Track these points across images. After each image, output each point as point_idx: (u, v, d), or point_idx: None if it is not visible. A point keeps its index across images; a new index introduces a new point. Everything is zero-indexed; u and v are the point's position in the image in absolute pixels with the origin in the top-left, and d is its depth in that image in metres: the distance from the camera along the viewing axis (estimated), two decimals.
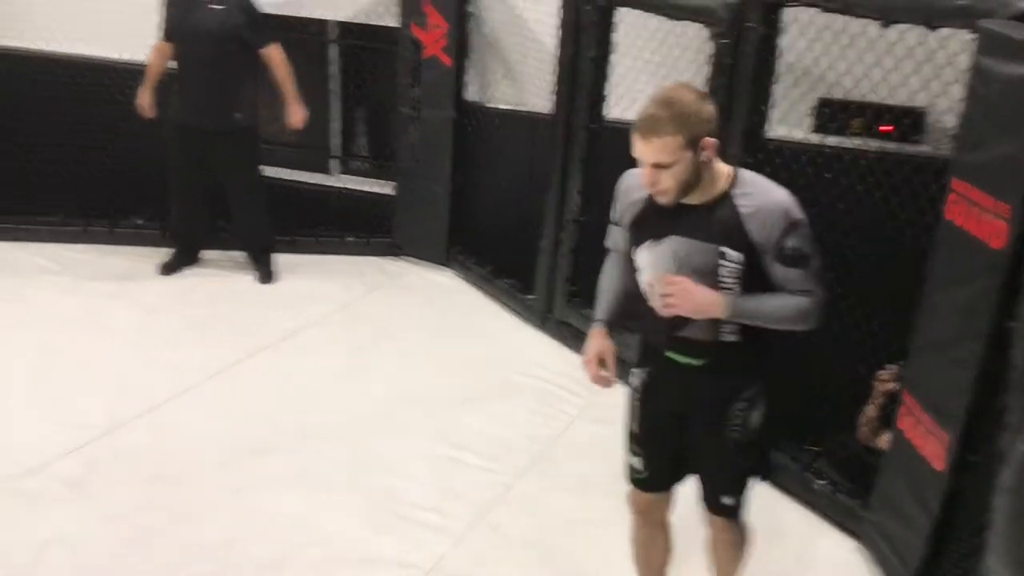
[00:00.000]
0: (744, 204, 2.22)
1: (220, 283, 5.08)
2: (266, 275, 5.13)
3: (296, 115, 4.91)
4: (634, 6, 4.06)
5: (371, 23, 5.33)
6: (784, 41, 3.50)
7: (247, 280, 5.12)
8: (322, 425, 3.87)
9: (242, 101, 4.76)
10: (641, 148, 2.15)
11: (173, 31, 4.71)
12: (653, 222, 2.31)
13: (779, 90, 3.61)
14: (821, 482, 3.42)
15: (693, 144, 2.13)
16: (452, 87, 5.12)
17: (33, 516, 3.21)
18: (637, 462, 2.57)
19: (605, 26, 4.16)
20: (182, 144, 4.82)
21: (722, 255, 2.23)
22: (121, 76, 5.36)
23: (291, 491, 3.44)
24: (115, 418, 3.77)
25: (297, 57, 5.15)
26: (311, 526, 3.27)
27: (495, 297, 5.08)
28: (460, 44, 5.06)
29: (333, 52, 5.69)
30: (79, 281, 4.97)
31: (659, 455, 2.54)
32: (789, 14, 3.46)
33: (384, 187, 5.64)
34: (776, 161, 3.56)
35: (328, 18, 5.43)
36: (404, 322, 4.84)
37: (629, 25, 4.26)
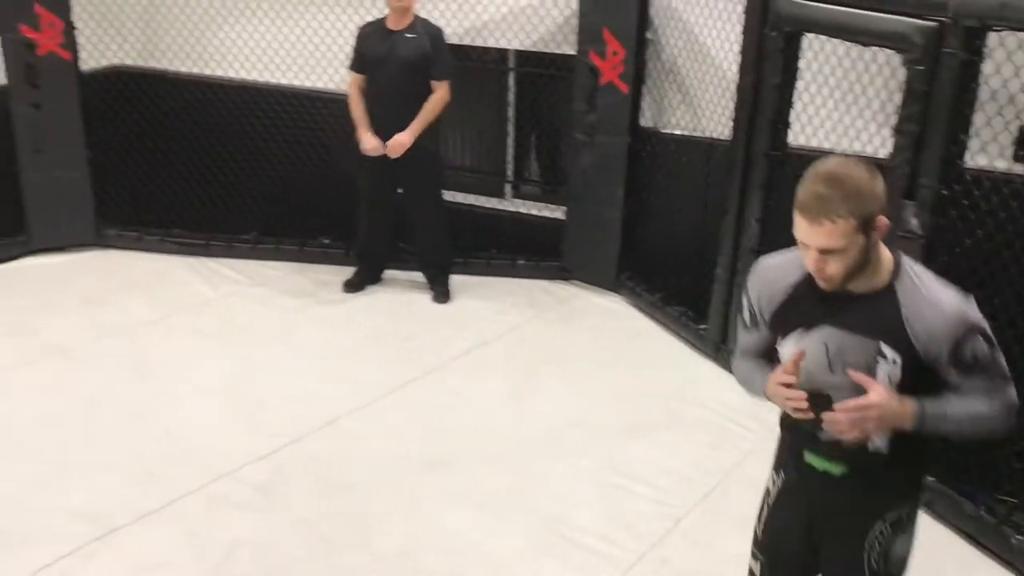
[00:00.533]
0: (908, 304, 1.95)
1: (399, 301, 5.27)
2: (442, 295, 5.29)
3: (402, 140, 4.88)
4: (822, 32, 3.95)
5: (549, 51, 5.42)
6: (987, 67, 3.32)
7: (424, 299, 5.29)
8: (492, 444, 3.95)
9: (429, 127, 4.94)
10: (807, 231, 1.90)
11: (365, 61, 4.94)
12: (804, 309, 2.05)
13: (979, 118, 3.42)
14: (1020, 537, 3.18)
15: (866, 226, 1.89)
16: (628, 113, 5.13)
17: (225, 518, 3.43)
18: (756, 567, 2.35)
19: (790, 53, 4.06)
20: (370, 168, 5.05)
21: (881, 353, 1.97)
22: (314, 104, 5.69)
23: (463, 508, 3.53)
24: (301, 428, 3.98)
25: (477, 86, 5.32)
26: (481, 543, 3.34)
27: (665, 325, 5.03)
28: (637, 70, 5.07)
29: (511, 80, 5.82)
30: (271, 296, 5.29)
31: (781, 567, 2.30)
32: (994, 39, 3.28)
33: (555, 211, 5.71)
34: (975, 193, 3.37)
35: (508, 47, 5.55)
36: (572, 346, 4.87)
37: (815, 51, 4.15)
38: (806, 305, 2.05)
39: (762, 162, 4.25)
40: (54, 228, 5.58)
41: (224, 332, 4.84)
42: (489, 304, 5.27)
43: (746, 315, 2.21)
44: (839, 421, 1.96)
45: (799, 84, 4.16)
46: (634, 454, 3.91)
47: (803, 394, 2.01)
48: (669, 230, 5.16)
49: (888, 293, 1.98)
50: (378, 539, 3.35)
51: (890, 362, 1.97)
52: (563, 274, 5.58)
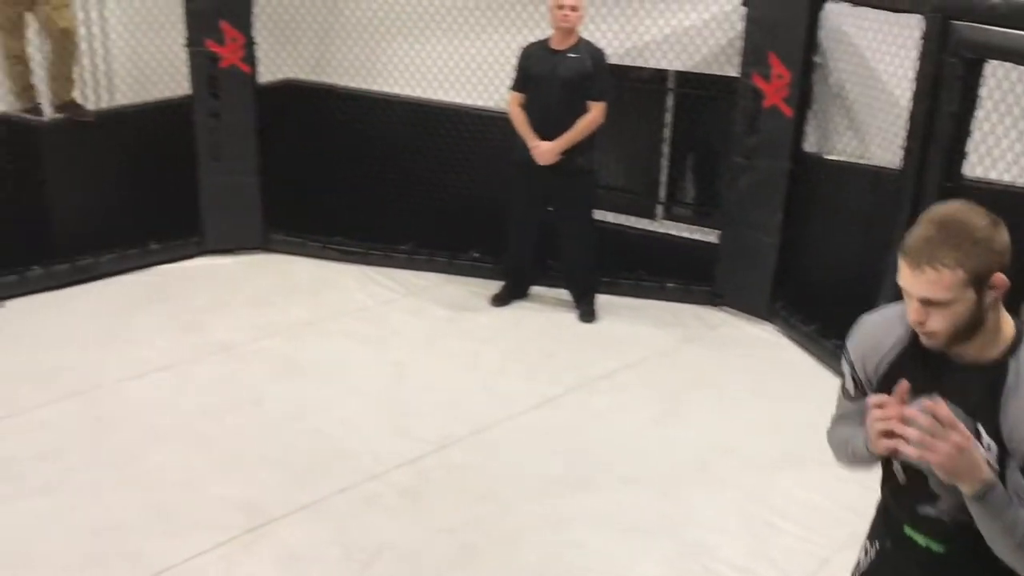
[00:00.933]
0: (1014, 386, 1.70)
1: (545, 318, 5.31)
2: (588, 314, 5.29)
3: (548, 145, 4.92)
4: (1007, 59, 3.74)
5: (711, 72, 5.35)
6: None
7: (570, 318, 5.30)
8: (635, 467, 3.92)
9: (584, 145, 4.98)
10: (909, 278, 1.69)
11: (527, 80, 5.02)
12: (908, 373, 1.79)
13: None
14: None
15: (978, 282, 1.66)
16: (790, 137, 5.01)
17: (372, 519, 3.53)
18: None
19: (971, 80, 3.87)
20: (524, 183, 5.12)
21: (977, 434, 1.72)
22: (472, 120, 5.82)
23: (604, 528, 3.51)
24: (447, 436, 4.06)
25: (634, 105, 5.30)
26: (621, 565, 3.32)
27: (819, 357, 4.85)
28: (803, 94, 4.94)
29: (669, 100, 5.78)
30: (422, 305, 5.43)
31: None
32: None
33: (708, 235, 5.61)
34: None
35: (669, 68, 5.52)
36: (720, 373, 4.77)
37: (999, 79, 3.94)
38: (910, 366, 1.82)
39: (934, 193, 4.05)
40: (225, 231, 5.92)
41: (377, 338, 5.00)
42: (635, 326, 5.24)
43: (847, 382, 1.96)
44: (916, 420, 1.67)
45: (979, 113, 3.96)
46: (782, 488, 3.79)
47: (897, 412, 1.71)
48: (828, 260, 5.00)
49: (998, 368, 1.73)
50: (519, 553, 3.37)
51: (985, 447, 1.72)
52: (713, 299, 5.48)
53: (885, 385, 1.82)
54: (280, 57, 6.07)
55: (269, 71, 5.99)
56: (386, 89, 6.08)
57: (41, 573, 3.18)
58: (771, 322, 5.25)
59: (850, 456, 1.97)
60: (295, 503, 3.57)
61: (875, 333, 1.90)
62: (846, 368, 1.96)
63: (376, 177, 6.12)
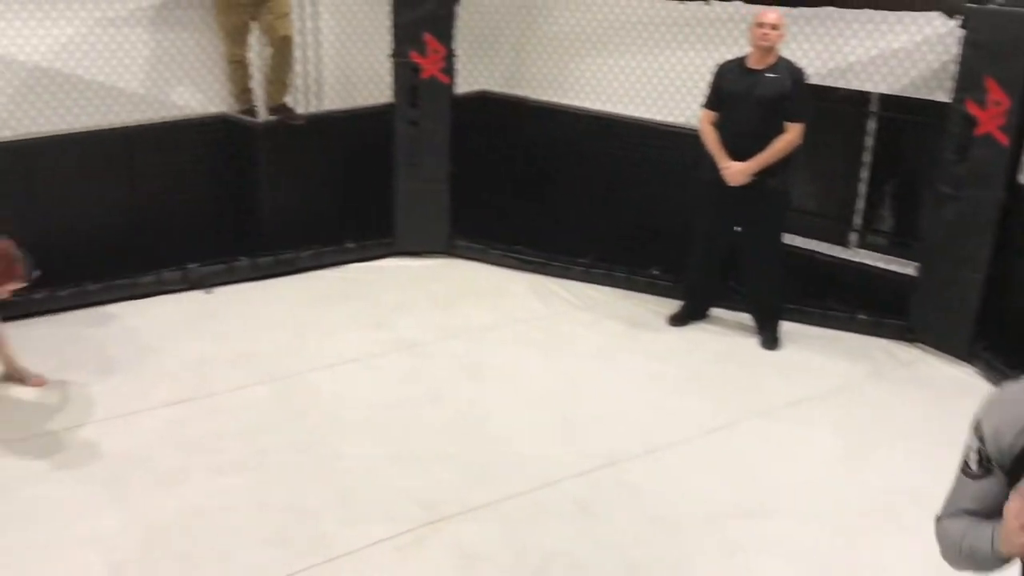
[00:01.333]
0: None
1: (724, 341, 5.19)
2: (770, 341, 5.13)
3: (741, 166, 4.80)
4: None
5: (918, 97, 5.08)
6: None
7: (750, 343, 5.16)
8: (813, 503, 3.76)
9: (777, 167, 4.84)
10: None
11: (721, 98, 4.94)
12: None
13: None
14: None
15: None
16: (1005, 167, 4.68)
17: (544, 526, 3.55)
18: None
19: None
20: (711, 203, 5.04)
21: None
22: (660, 137, 5.78)
23: (779, 562, 3.39)
24: (620, 451, 4.05)
25: (832, 127, 5.10)
26: None
27: None
28: (1021, 122, 4.61)
29: (871, 124, 5.53)
30: (597, 319, 5.43)
31: None
32: None
33: (905, 267, 5.33)
34: None
35: (873, 91, 5.29)
36: (911, 414, 4.51)
37: None
38: None
39: None
40: (415, 234, 6.15)
41: (552, 348, 5.04)
42: (821, 357, 5.03)
43: (972, 457, 1.69)
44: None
45: None
46: None
47: None
48: None
49: None
50: None
51: None
52: (907, 335, 5.19)
53: (1019, 466, 1.60)
54: (476, 69, 6.26)
55: (465, 82, 6.18)
56: (575, 103, 6.14)
57: (231, 544, 3.39)
58: (971, 363, 4.91)
59: (966, 555, 1.70)
60: (469, 503, 3.65)
61: (1017, 404, 1.63)
62: (973, 441, 1.68)
63: (559, 189, 6.19)
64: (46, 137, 5.12)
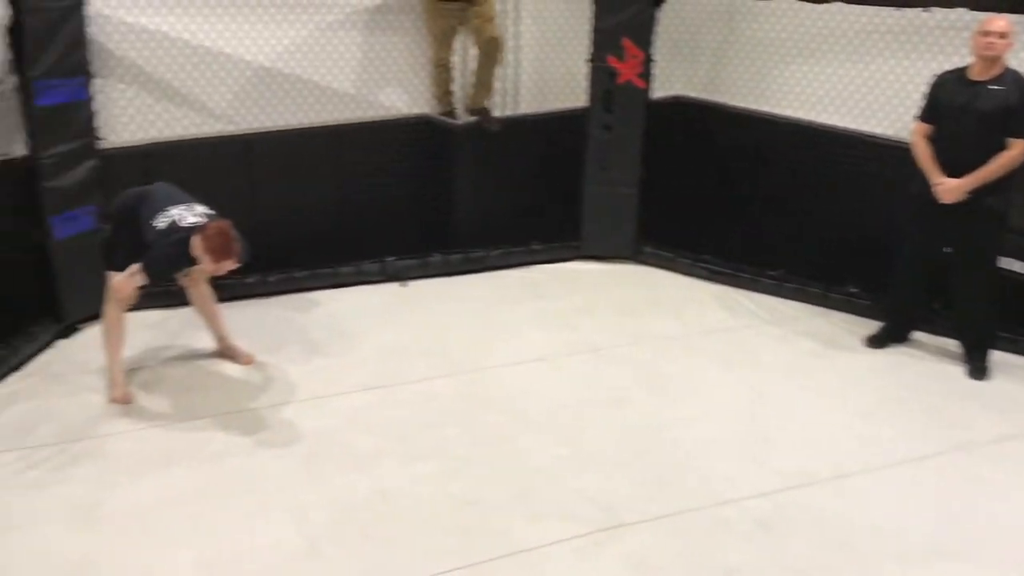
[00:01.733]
0: None
1: (926, 367, 4.90)
2: (978, 370, 4.79)
3: (955, 183, 4.50)
4: None
5: None
6: None
7: (955, 371, 4.84)
8: (1018, 550, 3.48)
9: (996, 185, 4.52)
10: None
11: (937, 111, 4.66)
12: None
13: None
14: None
15: None
16: None
17: (723, 543, 3.48)
18: None
19: None
20: (921, 220, 4.76)
21: None
22: (866, 149, 5.50)
23: None
24: (807, 473, 3.90)
25: None
26: None
27: None
28: None
29: None
30: (788, 335, 5.25)
31: None
32: None
33: None
34: None
35: None
36: None
37: None
38: None
39: None
40: (602, 239, 6.17)
41: (738, 362, 4.92)
42: None
43: None
44: None
45: None
46: None
47: None
48: None
49: None
50: None
51: None
52: None
53: None
54: (674, 74, 6.19)
55: (661, 87, 6.13)
56: (775, 111, 5.95)
57: (416, 530, 3.52)
58: None
59: None
60: (648, 512, 3.62)
61: None
62: None
63: (752, 199, 6.03)
64: (264, 132, 5.50)
